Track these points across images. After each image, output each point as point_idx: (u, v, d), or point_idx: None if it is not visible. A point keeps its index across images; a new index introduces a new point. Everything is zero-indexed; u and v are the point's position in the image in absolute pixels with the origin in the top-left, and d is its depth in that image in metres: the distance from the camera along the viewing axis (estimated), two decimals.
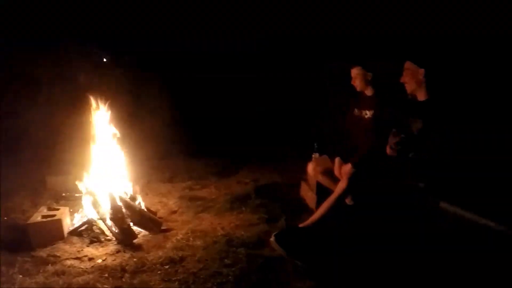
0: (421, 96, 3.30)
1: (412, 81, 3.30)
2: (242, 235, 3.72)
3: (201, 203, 4.69)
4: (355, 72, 4.02)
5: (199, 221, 4.19)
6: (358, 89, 4.05)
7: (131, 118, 5.53)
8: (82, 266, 3.37)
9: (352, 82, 4.06)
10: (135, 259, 3.44)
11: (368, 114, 3.95)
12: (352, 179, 3.40)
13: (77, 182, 4.36)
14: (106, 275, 3.21)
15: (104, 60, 6.97)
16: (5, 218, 4.15)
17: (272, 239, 3.35)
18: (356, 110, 4.04)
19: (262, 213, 4.21)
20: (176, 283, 3.03)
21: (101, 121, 4.48)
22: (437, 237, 3.06)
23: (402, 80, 3.36)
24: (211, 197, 4.90)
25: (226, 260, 3.29)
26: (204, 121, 7.39)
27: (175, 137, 6.47)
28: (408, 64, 3.32)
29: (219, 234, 3.78)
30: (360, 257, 3.14)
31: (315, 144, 4.28)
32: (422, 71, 3.24)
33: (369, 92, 4.01)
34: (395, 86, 3.45)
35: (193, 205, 4.63)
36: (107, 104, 4.43)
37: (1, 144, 5.40)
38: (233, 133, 7.14)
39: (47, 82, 6.08)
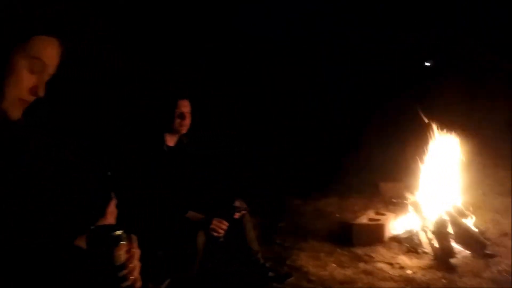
0: None
1: None
2: None
3: None
4: None
5: None
6: None
7: (467, 121, 5.10)
8: (390, 272, 3.47)
9: None
10: (444, 281, 3.27)
11: None
12: None
13: (406, 190, 4.45)
14: None
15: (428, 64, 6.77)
16: (338, 215, 4.69)
17: None
18: None
19: None
20: None
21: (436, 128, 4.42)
22: None
23: None
24: None
25: None
26: None
27: None
28: None
29: None
30: None
31: None
32: None
33: None
34: None
35: None
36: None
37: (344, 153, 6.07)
38: None
39: None
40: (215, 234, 2.93)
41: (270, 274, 3.27)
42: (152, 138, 3.03)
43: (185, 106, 3.07)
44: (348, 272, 3.45)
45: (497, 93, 6.07)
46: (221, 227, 2.94)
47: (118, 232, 1.08)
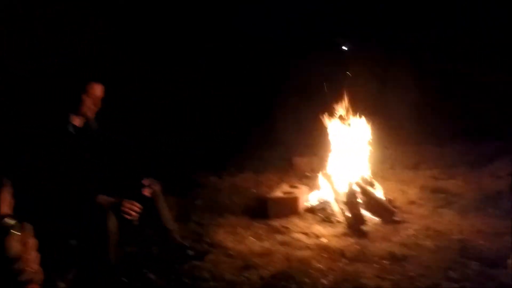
0: None
1: None
2: (481, 245, 3.14)
3: (444, 196, 4.25)
4: None
5: (437, 217, 3.79)
6: None
7: (377, 102, 5.39)
8: (306, 242, 3.53)
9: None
10: (357, 246, 3.38)
11: None
12: None
13: (318, 164, 4.56)
14: (325, 255, 3.26)
15: (345, 48, 7.01)
16: (254, 190, 4.70)
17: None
18: None
19: None
20: (388, 282, 2.80)
21: (345, 105, 4.56)
22: None
23: None
24: (457, 190, 4.36)
25: (451, 272, 2.81)
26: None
27: (426, 121, 5.97)
28: None
29: (455, 237, 3.32)
30: None
31: None
32: None
33: None
34: None
35: (434, 198, 4.24)
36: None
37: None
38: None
39: None
40: (128, 217, 2.74)
41: (189, 252, 3.18)
42: (56, 118, 2.74)
43: (100, 91, 2.85)
44: (266, 244, 3.46)
45: (407, 75, 6.44)
46: (133, 209, 2.74)
47: (8, 221, 1.03)
